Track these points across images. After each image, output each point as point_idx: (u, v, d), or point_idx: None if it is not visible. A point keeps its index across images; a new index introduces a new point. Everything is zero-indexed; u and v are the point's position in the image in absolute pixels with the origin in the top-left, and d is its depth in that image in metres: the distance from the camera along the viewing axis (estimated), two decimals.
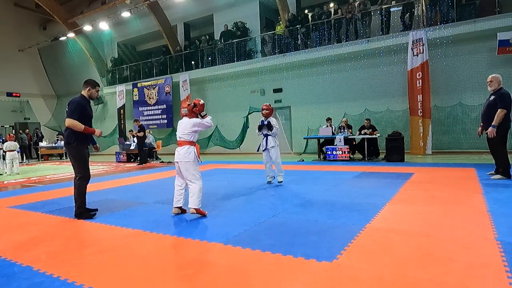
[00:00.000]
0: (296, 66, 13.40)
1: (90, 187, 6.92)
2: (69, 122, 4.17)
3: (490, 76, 5.75)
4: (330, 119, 10.63)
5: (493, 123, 5.51)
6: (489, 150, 6.10)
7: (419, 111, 10.68)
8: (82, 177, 4.29)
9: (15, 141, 11.23)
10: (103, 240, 3.40)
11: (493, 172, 5.99)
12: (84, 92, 4.39)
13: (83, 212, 4.31)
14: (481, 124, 5.92)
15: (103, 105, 20.51)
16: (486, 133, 5.67)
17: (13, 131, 19.60)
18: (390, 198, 4.66)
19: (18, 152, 11.01)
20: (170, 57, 17.39)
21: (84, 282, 2.39)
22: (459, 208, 3.97)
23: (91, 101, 4.59)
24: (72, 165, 4.33)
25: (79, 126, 4.18)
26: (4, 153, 10.89)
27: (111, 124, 19.45)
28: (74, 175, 4.36)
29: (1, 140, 13.38)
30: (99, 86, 4.62)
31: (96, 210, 4.45)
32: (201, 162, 4.32)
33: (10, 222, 4.32)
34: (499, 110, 5.47)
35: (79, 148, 4.28)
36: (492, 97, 5.68)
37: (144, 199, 5.40)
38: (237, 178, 6.97)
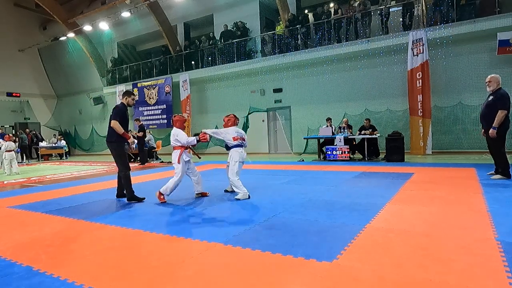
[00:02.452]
0: (296, 66, 13.40)
1: (91, 187, 7.00)
2: (114, 123, 4.98)
3: (488, 76, 5.74)
4: (330, 119, 10.63)
5: (493, 125, 5.48)
6: (489, 150, 6.10)
7: (419, 111, 10.68)
8: (125, 168, 5.14)
9: (14, 141, 11.24)
10: (103, 240, 3.39)
11: (493, 172, 5.99)
12: (124, 100, 5.26)
13: (134, 197, 5.18)
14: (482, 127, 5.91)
15: (103, 105, 20.47)
16: (488, 134, 5.65)
17: (13, 131, 19.60)
18: (390, 198, 4.66)
19: (17, 152, 11.03)
20: (170, 57, 17.39)
21: (84, 282, 2.40)
22: (459, 208, 3.97)
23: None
24: (115, 160, 5.18)
25: (120, 129, 4.98)
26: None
27: None
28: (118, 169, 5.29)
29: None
30: (134, 95, 5.43)
31: (144, 198, 5.25)
32: (200, 158, 5.48)
33: (10, 222, 4.32)
34: (499, 111, 5.45)
35: (119, 145, 5.11)
36: (491, 97, 5.67)
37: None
38: None
